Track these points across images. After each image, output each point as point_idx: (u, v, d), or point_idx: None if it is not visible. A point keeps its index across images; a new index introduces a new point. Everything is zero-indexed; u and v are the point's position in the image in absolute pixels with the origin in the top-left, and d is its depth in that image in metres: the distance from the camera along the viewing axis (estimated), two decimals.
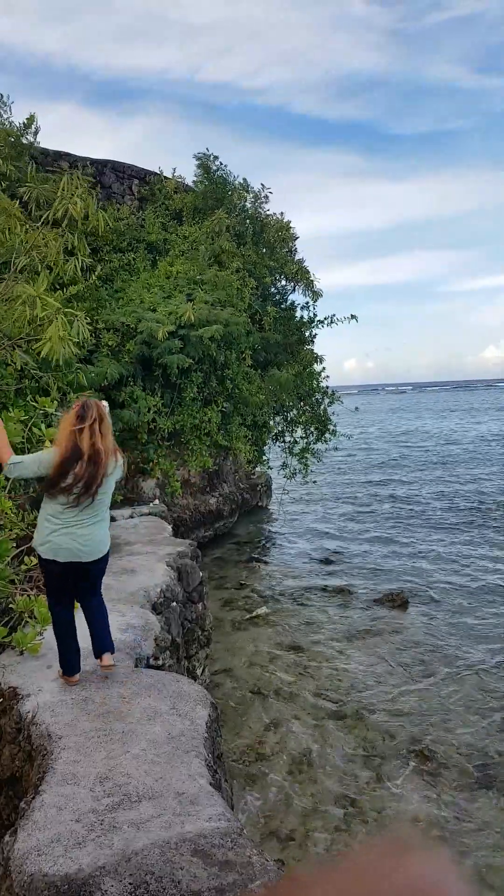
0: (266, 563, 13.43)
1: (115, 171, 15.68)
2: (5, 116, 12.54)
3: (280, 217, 15.98)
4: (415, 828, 5.17)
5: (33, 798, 2.83)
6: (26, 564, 5.11)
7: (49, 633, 4.48)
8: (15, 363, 7.48)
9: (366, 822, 5.23)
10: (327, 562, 13.21)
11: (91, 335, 10.98)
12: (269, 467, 16.90)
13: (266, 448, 16.21)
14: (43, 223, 8.79)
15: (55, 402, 7.27)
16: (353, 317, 15.86)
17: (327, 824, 5.17)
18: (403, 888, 0.54)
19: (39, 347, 7.00)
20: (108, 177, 15.52)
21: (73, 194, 7.67)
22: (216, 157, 15.51)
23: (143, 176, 16.10)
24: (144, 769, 3.00)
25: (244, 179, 15.81)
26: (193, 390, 11.87)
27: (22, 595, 4.68)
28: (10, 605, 4.63)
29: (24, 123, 12.54)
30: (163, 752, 3.14)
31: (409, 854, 0.59)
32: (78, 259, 8.42)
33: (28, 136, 12.59)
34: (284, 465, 16.23)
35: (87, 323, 7.65)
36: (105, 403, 4.01)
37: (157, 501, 11.36)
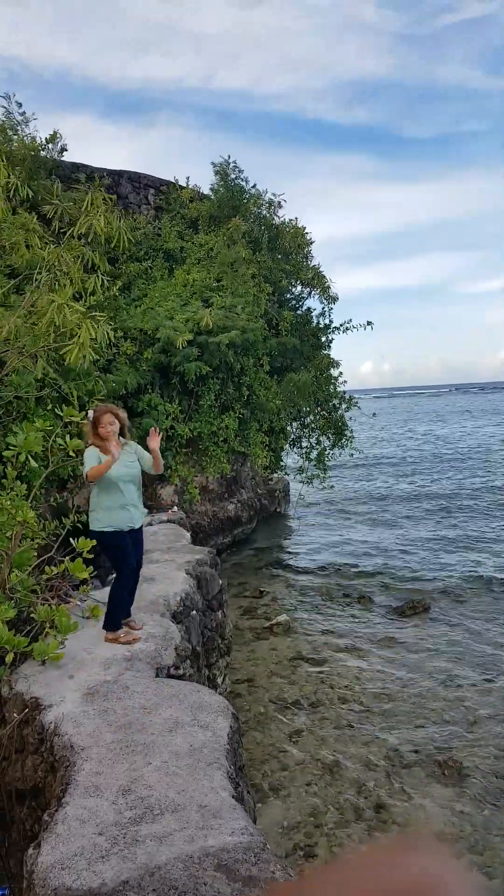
0: (285, 569, 13.37)
1: (131, 181, 15.80)
2: (27, 132, 12.73)
3: (295, 223, 15.98)
4: (441, 840, 5.09)
5: (56, 810, 2.83)
6: (47, 574, 5.13)
7: (70, 644, 4.52)
8: (34, 372, 7.55)
9: (390, 834, 5.16)
10: (347, 569, 13.12)
11: (110, 344, 11.08)
12: (287, 473, 16.84)
13: (283, 454, 16.17)
14: (66, 238, 8.90)
15: (84, 415, 7.34)
16: (369, 323, 15.77)
17: (352, 838, 5.11)
18: (407, 888, 0.54)
19: (66, 354, 7.07)
20: (125, 187, 15.64)
21: (97, 211, 7.79)
22: (236, 165, 15.57)
23: (159, 185, 16.21)
24: (166, 781, 2.99)
25: (255, 186, 15.84)
26: (211, 397, 11.89)
27: (43, 605, 4.70)
28: (32, 615, 4.65)
29: (46, 139, 12.74)
30: (184, 765, 3.12)
31: (415, 854, 0.58)
32: (98, 276, 8.51)
33: (53, 153, 12.80)
34: (301, 471, 16.17)
35: (111, 331, 7.75)
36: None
37: (175, 508, 11.38)
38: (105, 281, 8.52)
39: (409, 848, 0.59)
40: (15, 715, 3.65)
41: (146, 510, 5.11)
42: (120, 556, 4.81)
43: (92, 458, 4.64)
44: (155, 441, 4.81)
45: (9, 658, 3.97)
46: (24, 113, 12.74)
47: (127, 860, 2.48)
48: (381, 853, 0.60)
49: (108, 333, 7.49)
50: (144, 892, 2.31)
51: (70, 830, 2.66)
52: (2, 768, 3.66)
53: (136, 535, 4.90)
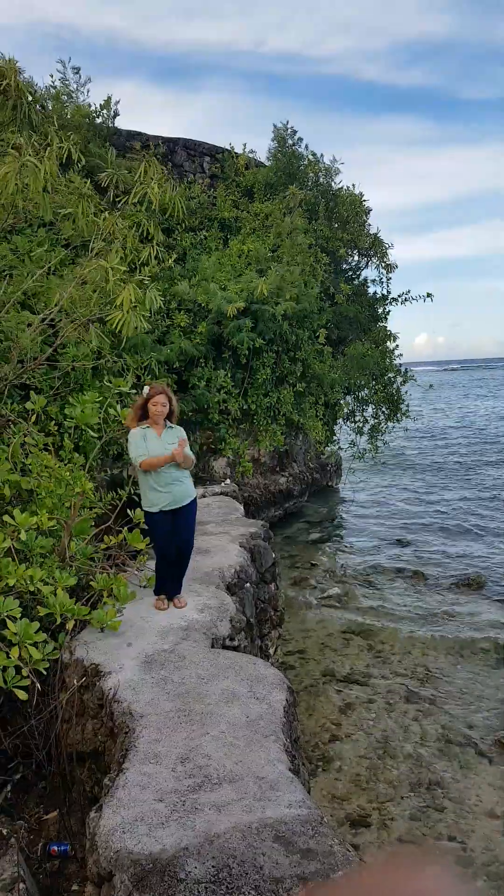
0: (337, 543, 13.34)
1: (186, 148, 15.64)
2: (82, 99, 12.69)
3: (352, 189, 15.58)
4: (492, 821, 5.05)
5: (117, 775, 2.90)
6: (105, 543, 5.22)
7: (128, 612, 4.60)
8: (90, 342, 7.59)
9: (442, 811, 5.14)
10: (399, 543, 13.00)
11: (164, 315, 11.09)
12: (340, 447, 16.71)
13: (336, 428, 16.01)
14: (120, 205, 8.85)
15: (129, 382, 7.36)
16: (428, 295, 15.37)
17: (402, 812, 5.11)
18: None
19: (112, 320, 7.04)
20: (180, 155, 15.50)
21: (151, 179, 7.66)
22: (295, 131, 15.25)
23: (214, 153, 15.99)
24: (224, 752, 3.02)
25: (313, 153, 15.49)
26: (267, 371, 11.80)
27: (101, 573, 4.78)
28: (91, 583, 4.74)
29: (101, 105, 12.67)
30: (241, 736, 3.15)
31: (419, 869, 0.57)
32: (153, 246, 8.42)
33: (107, 120, 12.74)
34: (352, 444, 16.03)
35: (159, 295, 7.66)
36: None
37: (228, 481, 11.42)
38: (160, 252, 8.42)
39: (413, 864, 0.58)
40: (75, 681, 3.75)
41: (192, 489, 4.95)
42: (152, 537, 4.91)
43: (138, 441, 4.69)
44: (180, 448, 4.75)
45: (69, 625, 4.06)
46: (81, 78, 12.68)
47: (186, 827, 2.52)
48: (383, 870, 0.60)
49: (155, 299, 7.38)
50: (203, 860, 2.35)
51: (131, 796, 2.72)
52: (63, 730, 3.78)
53: (180, 515, 4.81)
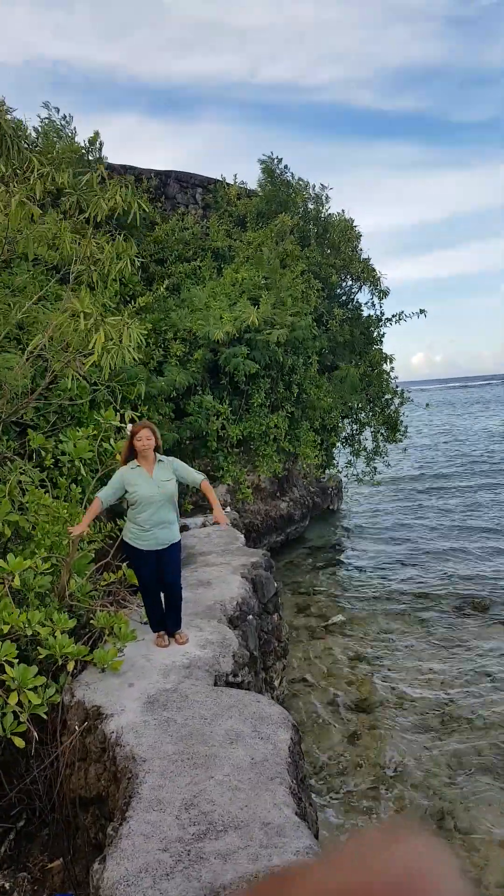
0: (340, 567, 13.26)
1: (178, 181, 15.88)
2: (68, 135, 12.92)
3: (343, 215, 15.77)
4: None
5: (120, 824, 2.84)
6: (105, 580, 5.18)
7: (129, 650, 4.55)
8: (82, 376, 7.57)
9: (454, 842, 5.04)
10: (402, 566, 12.92)
11: (160, 346, 11.13)
12: (339, 470, 16.70)
13: (336, 451, 16.03)
14: (82, 224, 8.80)
15: (119, 413, 7.35)
16: (421, 311, 15.46)
17: None
18: (397, 880, 0.52)
19: (90, 360, 7.00)
20: (172, 187, 15.73)
21: (107, 190, 7.59)
22: (280, 160, 15.46)
23: (207, 184, 16.24)
24: (228, 796, 2.96)
25: (300, 180, 15.71)
26: (261, 396, 11.84)
27: (102, 611, 4.74)
28: (91, 621, 4.70)
29: (89, 141, 12.90)
30: (246, 779, 3.09)
31: (403, 844, 0.55)
32: (128, 258, 8.29)
33: (94, 153, 12.94)
34: (349, 465, 16.06)
35: (143, 330, 7.57)
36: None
37: (228, 509, 11.38)
38: (136, 260, 8.29)
39: (396, 837, 0.57)
40: (76, 727, 3.69)
41: (177, 532, 4.89)
42: (135, 570, 4.90)
43: (113, 480, 4.72)
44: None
45: (70, 666, 4.01)
46: (65, 116, 13.01)
47: (192, 879, 2.46)
48: (365, 847, 0.58)
49: (135, 336, 7.31)
50: None
51: (134, 846, 2.67)
52: (65, 776, 3.71)
53: (163, 555, 4.75)
